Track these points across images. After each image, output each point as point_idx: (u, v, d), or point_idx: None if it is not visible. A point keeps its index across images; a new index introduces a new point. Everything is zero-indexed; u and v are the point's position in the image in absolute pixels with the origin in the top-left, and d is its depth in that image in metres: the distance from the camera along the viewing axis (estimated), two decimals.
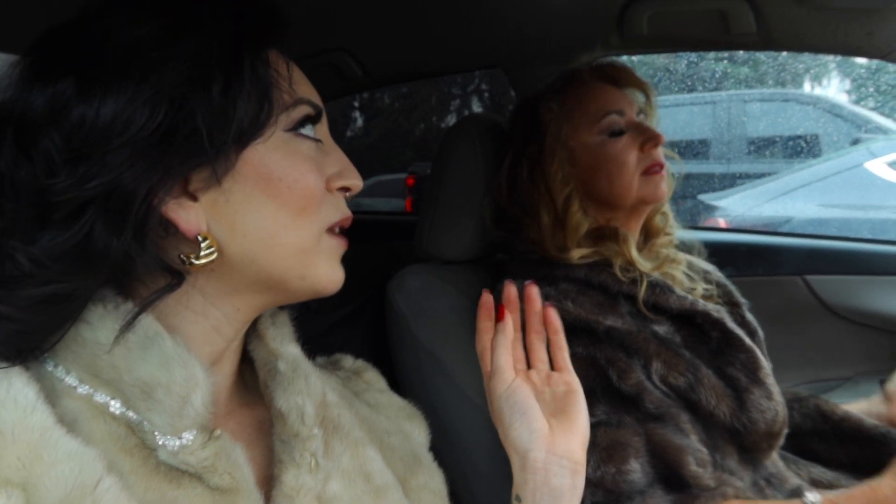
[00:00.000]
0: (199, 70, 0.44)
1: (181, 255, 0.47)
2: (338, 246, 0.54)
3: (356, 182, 0.55)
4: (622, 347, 0.85)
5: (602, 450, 0.78)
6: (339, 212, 0.53)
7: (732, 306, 1.02)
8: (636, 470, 0.78)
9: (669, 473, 0.79)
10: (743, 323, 1.00)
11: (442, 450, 0.73)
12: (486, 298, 0.75)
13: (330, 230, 0.53)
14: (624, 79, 0.98)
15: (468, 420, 0.89)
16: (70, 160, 0.42)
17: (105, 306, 0.46)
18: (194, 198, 0.46)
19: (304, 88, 0.52)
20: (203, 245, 0.46)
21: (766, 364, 0.89)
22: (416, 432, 0.72)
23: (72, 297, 0.44)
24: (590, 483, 0.78)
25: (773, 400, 0.86)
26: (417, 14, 1.26)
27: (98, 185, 0.41)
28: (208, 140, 0.43)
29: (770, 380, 0.89)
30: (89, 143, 0.42)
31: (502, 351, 0.69)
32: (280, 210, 0.48)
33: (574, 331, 0.83)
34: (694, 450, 0.81)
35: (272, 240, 0.48)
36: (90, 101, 0.42)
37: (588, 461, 0.79)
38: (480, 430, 0.87)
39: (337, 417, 0.60)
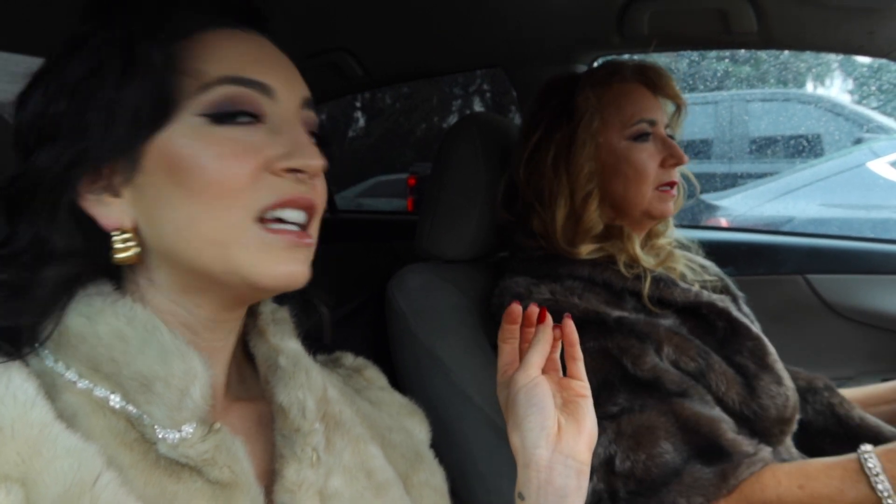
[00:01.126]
0: (100, 61, 0.44)
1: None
2: (277, 240, 0.47)
3: (308, 161, 0.48)
4: (633, 334, 0.85)
5: (629, 437, 0.77)
6: (276, 194, 0.47)
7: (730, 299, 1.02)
8: (668, 451, 0.77)
9: (706, 445, 0.78)
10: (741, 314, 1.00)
11: (441, 448, 0.73)
12: (515, 308, 0.74)
13: (264, 221, 0.47)
14: (662, 86, 0.97)
15: (467, 418, 0.89)
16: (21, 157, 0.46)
17: (103, 300, 0.46)
18: (116, 193, 0.46)
19: (237, 64, 0.47)
20: (117, 239, 0.46)
21: (773, 350, 0.89)
22: (418, 429, 0.72)
23: (30, 288, 0.45)
24: (620, 475, 0.77)
25: (784, 385, 0.86)
26: (418, 14, 1.26)
27: (13, 178, 0.44)
28: (105, 134, 0.44)
29: (779, 365, 0.88)
30: (29, 138, 0.46)
31: (539, 350, 0.68)
32: (189, 200, 0.45)
33: (583, 325, 0.82)
34: (725, 419, 0.80)
35: (185, 232, 0.46)
36: (33, 96, 0.46)
37: (615, 453, 0.78)
38: (479, 428, 0.87)
39: (338, 414, 0.60)
